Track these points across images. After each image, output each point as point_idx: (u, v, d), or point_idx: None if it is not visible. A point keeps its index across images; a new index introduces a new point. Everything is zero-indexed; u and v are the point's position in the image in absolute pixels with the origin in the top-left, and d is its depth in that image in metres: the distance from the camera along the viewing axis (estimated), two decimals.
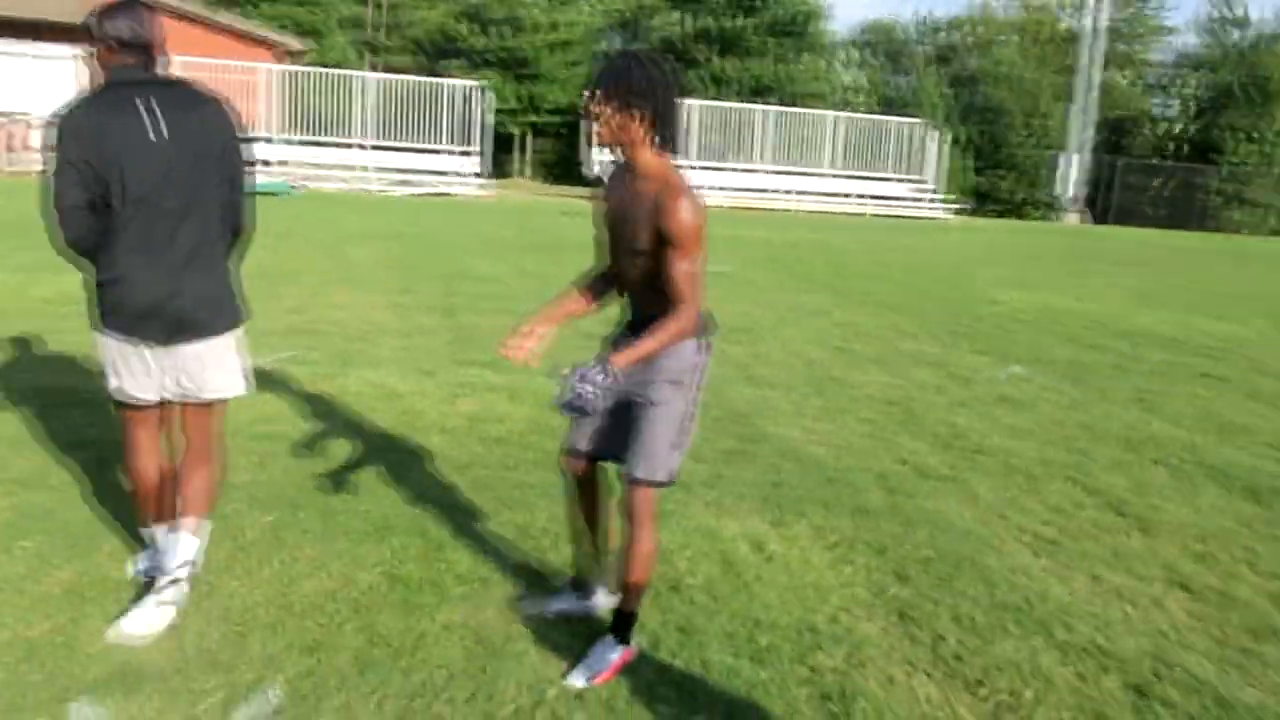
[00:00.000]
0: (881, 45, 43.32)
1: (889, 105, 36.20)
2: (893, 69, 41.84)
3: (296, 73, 24.76)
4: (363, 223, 14.97)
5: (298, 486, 4.24)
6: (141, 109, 3.00)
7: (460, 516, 4.03)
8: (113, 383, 3.17)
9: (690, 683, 2.97)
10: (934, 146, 27.30)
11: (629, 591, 3.04)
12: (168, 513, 3.28)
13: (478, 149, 23.56)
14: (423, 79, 25.60)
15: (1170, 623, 3.57)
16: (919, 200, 27.13)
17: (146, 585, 3.25)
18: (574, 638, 3.15)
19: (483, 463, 4.71)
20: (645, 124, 2.74)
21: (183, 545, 3.20)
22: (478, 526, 3.95)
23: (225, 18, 27.89)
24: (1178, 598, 3.78)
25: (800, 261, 13.81)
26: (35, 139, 21.03)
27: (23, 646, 2.91)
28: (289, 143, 23.45)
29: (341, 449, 4.75)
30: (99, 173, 2.95)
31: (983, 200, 37.85)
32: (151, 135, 2.99)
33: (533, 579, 3.54)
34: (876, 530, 4.18)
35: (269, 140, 22.78)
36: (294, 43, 27.32)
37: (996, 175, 38.44)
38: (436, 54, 45.08)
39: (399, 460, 4.64)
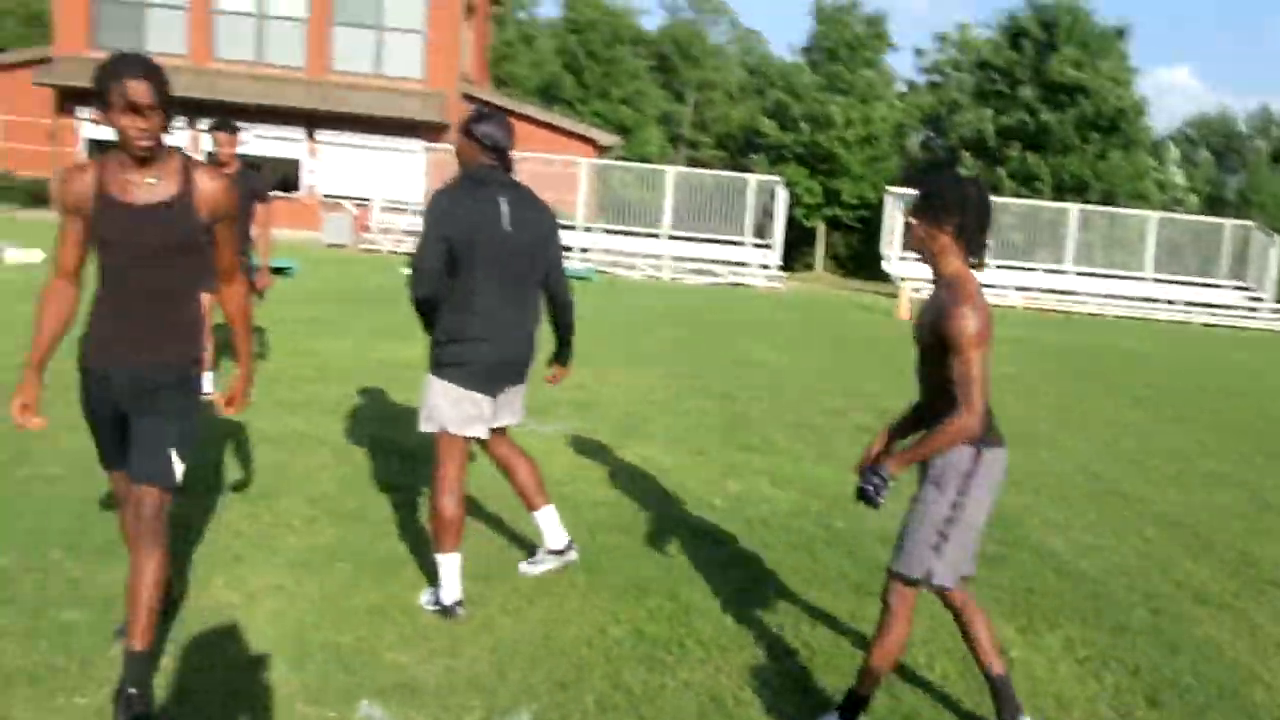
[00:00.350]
0: (1209, 141, 40.43)
1: (1216, 205, 33.65)
2: (1220, 166, 38.86)
3: (607, 166, 26.53)
4: (656, 308, 15.78)
5: (574, 542, 4.66)
6: (499, 202, 3.76)
7: (712, 586, 4.28)
8: (452, 426, 3.81)
9: None
10: (1273, 251, 25.04)
11: (865, 676, 3.14)
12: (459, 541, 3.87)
13: (773, 241, 24.18)
14: (720, 173, 26.70)
15: None
16: (1253, 310, 24.91)
17: (441, 611, 3.76)
18: (801, 709, 3.30)
19: (742, 541, 4.95)
20: (952, 237, 2.99)
21: (551, 524, 4.18)
22: (727, 598, 4.18)
23: (550, 115, 30.46)
24: None
25: (1101, 368, 13.15)
26: (380, 222, 23.82)
27: (332, 650, 3.44)
28: (596, 231, 25.08)
29: (609, 514, 5.16)
30: (456, 248, 3.66)
31: None
32: (504, 225, 3.76)
33: (774, 650, 3.73)
34: (1134, 650, 4.03)
35: (583, 229, 24.47)
36: (606, 138, 29.30)
37: None
38: (741, 148, 46.79)
39: (662, 530, 4.97)
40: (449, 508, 3.82)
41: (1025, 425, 8.62)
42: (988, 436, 3.11)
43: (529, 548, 4.52)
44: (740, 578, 4.41)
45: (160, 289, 2.96)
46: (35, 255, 13.48)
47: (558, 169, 25.18)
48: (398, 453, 5.92)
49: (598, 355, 10.21)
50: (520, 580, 4.18)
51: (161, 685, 3.10)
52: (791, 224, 37.57)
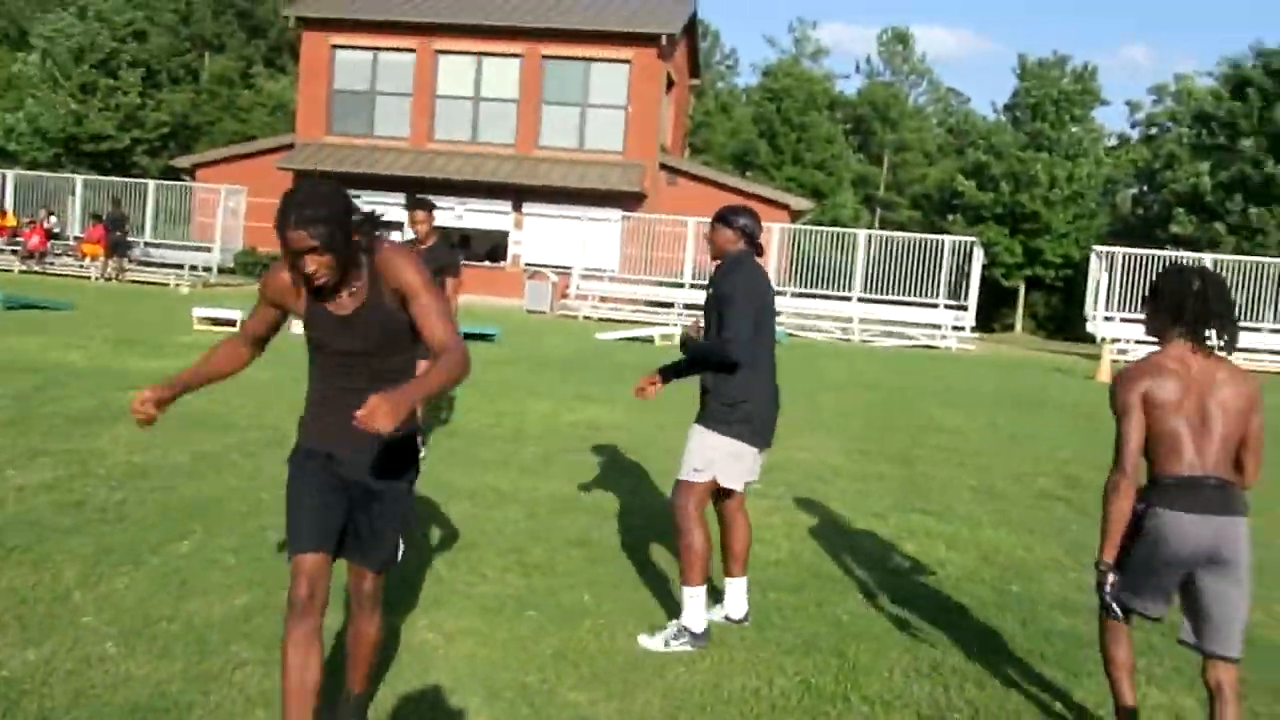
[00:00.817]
0: None
1: None
2: None
3: (798, 230, 26.76)
4: (842, 372, 15.79)
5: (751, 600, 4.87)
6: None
7: (880, 646, 4.39)
8: (726, 479, 4.34)
9: None
10: None
11: None
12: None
13: (968, 302, 23.70)
14: (911, 235, 26.41)
15: None
16: None
17: (692, 639, 4.21)
18: None
19: (915, 602, 5.02)
20: (1174, 326, 3.34)
21: (739, 594, 4.55)
22: (894, 658, 4.28)
23: (746, 184, 31.04)
24: None
25: None
26: (579, 289, 24.83)
27: (519, 689, 3.77)
28: (787, 295, 25.28)
29: (781, 573, 5.33)
30: (757, 315, 4.25)
31: None
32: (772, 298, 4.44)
33: (937, 708, 3.81)
34: None
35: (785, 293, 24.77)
36: (800, 202, 29.56)
37: None
38: (938, 209, 46.06)
39: (833, 590, 5.11)
40: (700, 541, 4.26)
41: None
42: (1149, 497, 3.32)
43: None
44: (909, 639, 4.49)
45: (373, 383, 2.87)
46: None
47: None
48: (585, 510, 6.29)
49: (781, 417, 10.39)
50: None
51: (374, 715, 3.51)
52: (990, 285, 36.66)
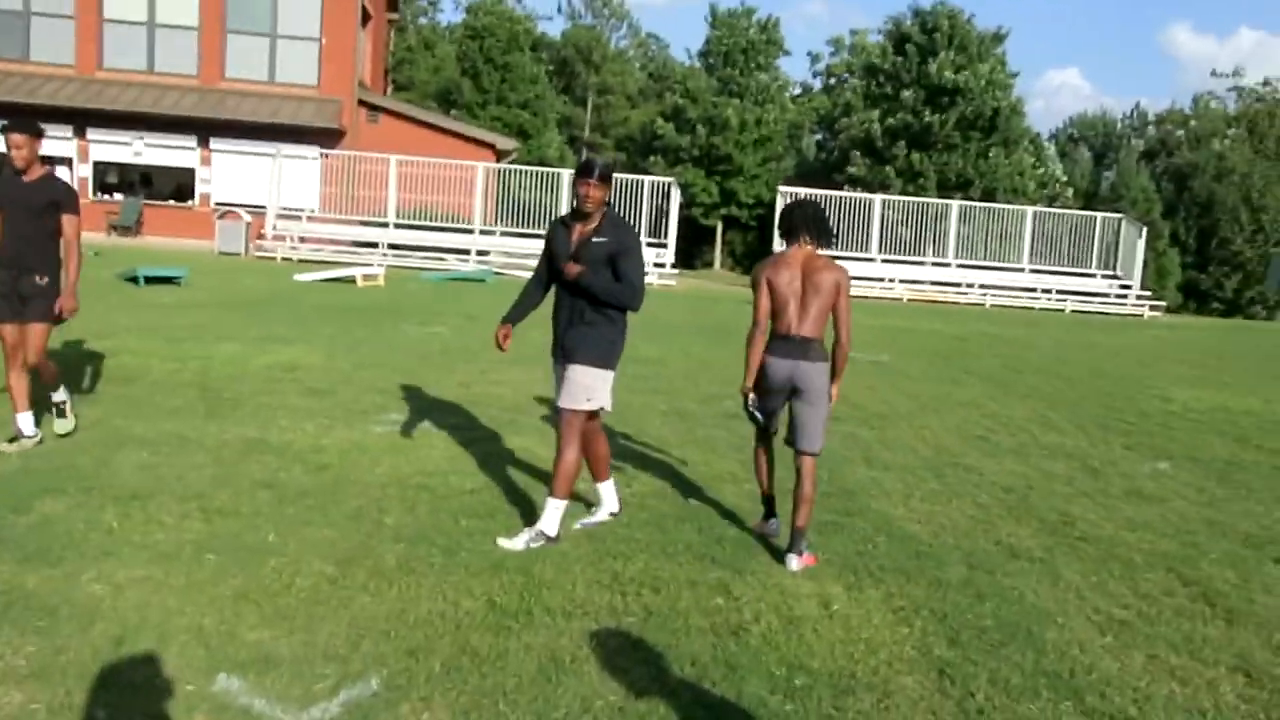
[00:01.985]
0: (1088, 139, 42.29)
1: (1093, 200, 35.27)
2: (1099, 163, 40.68)
3: (504, 170, 26.71)
4: (543, 308, 16.04)
5: (437, 528, 4.94)
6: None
7: (564, 562, 4.59)
8: (607, 403, 4.99)
9: (721, 708, 3.41)
10: (1138, 242, 26.41)
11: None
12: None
13: (667, 240, 24.65)
14: (616, 175, 27.05)
15: (1215, 703, 3.70)
16: (1122, 297, 26.25)
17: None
18: (633, 664, 3.64)
19: (602, 522, 5.27)
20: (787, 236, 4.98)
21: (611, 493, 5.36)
22: (576, 571, 4.50)
23: (450, 123, 30.50)
24: (1234, 681, 3.89)
25: (967, 354, 13.84)
26: (276, 229, 23.62)
27: (194, 631, 3.66)
28: (493, 233, 25.26)
29: (474, 501, 5.44)
30: None
31: (1201, 298, 36.05)
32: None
33: (615, 615, 4.06)
34: (944, 600, 4.47)
35: (480, 232, 24.64)
36: (505, 142, 29.48)
37: (1220, 272, 36.55)
38: (640, 150, 47.33)
39: (523, 514, 5.27)
40: (576, 460, 4.88)
41: (886, 407, 9.15)
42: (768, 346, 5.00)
43: (397, 537, 4.78)
44: (591, 553, 4.74)
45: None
46: None
47: (456, 173, 25.28)
48: (274, 451, 6.11)
49: (487, 353, 10.46)
50: (382, 562, 4.44)
51: (23, 666, 3.30)
52: (690, 224, 38.25)
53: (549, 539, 4.77)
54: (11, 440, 5.82)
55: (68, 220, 5.84)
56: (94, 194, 27.29)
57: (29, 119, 5.94)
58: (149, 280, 14.31)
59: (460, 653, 3.65)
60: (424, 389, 8.42)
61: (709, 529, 5.23)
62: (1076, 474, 7.12)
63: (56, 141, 26.74)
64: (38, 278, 5.79)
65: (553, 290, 5.13)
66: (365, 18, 30.03)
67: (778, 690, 3.54)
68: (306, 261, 21.82)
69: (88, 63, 26.79)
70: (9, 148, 5.77)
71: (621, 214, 24.74)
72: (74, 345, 9.15)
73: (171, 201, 27.63)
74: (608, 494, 5.29)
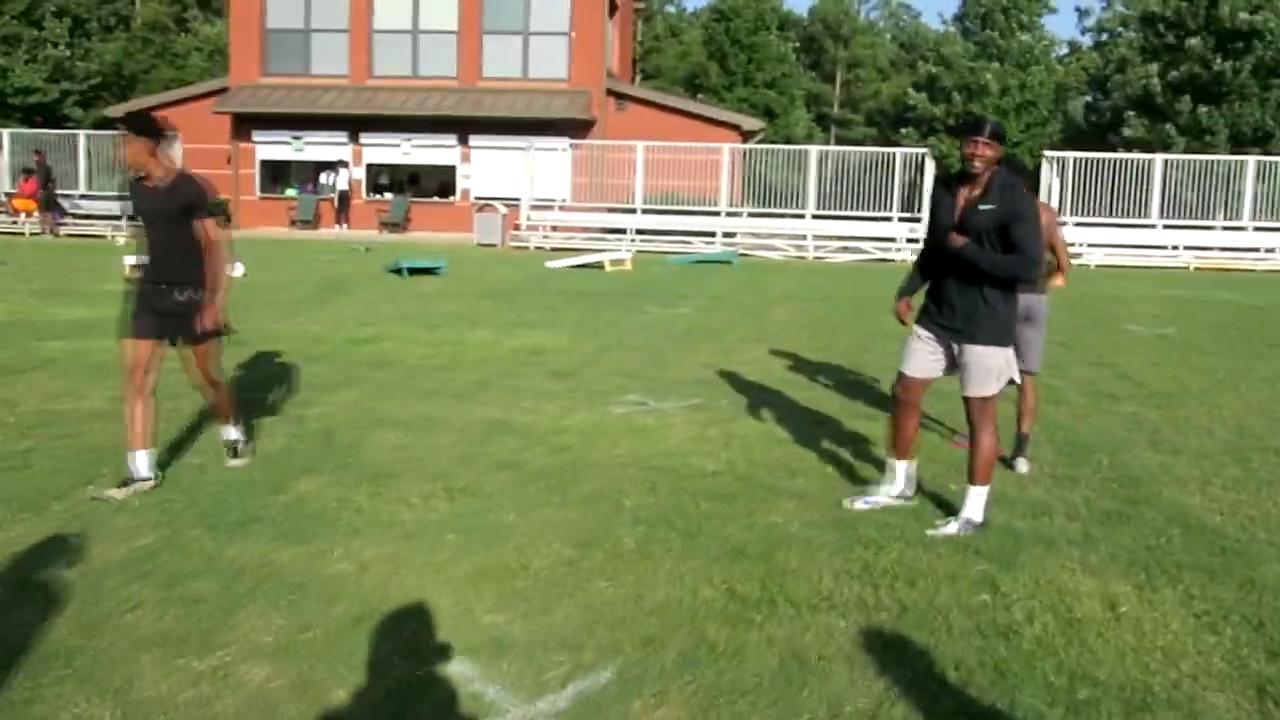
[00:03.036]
0: None
1: None
2: None
3: (749, 150, 26.39)
4: (794, 286, 15.63)
5: (677, 510, 4.74)
6: None
7: (809, 550, 4.27)
8: (1012, 378, 4.69)
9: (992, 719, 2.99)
10: None
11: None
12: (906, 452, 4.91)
13: (922, 215, 23.51)
14: (864, 149, 26.14)
15: None
16: None
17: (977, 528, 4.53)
18: (884, 665, 3.28)
19: (849, 509, 4.91)
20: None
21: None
22: (824, 559, 4.17)
23: (695, 106, 30.51)
24: None
25: (1269, 325, 12.26)
26: (530, 220, 24.41)
27: (432, 611, 3.62)
28: (740, 214, 25.01)
29: (714, 483, 5.20)
30: None
31: None
32: None
33: (865, 609, 3.70)
34: (1259, 605, 3.81)
35: (727, 213, 24.48)
36: (751, 122, 29.13)
37: None
38: (892, 124, 45.71)
39: (766, 498, 4.98)
40: (995, 444, 4.64)
41: (1174, 385, 8.17)
42: None
43: (636, 519, 4.62)
44: (839, 541, 4.38)
45: None
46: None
47: (701, 156, 25.23)
48: (516, 433, 6.12)
49: (730, 333, 10.24)
50: (620, 545, 4.28)
51: (269, 642, 3.36)
52: None
53: (976, 526, 4.53)
54: (122, 484, 4.84)
55: (204, 225, 4.93)
56: (366, 194, 29.27)
57: (138, 115, 5.27)
58: (412, 271, 15.06)
59: (697, 645, 3.41)
60: (666, 369, 8.29)
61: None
62: None
63: (334, 147, 28.91)
64: (178, 293, 4.93)
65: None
66: (612, 9, 30.51)
67: (1057, 703, 3.08)
68: (560, 249, 22.37)
69: (360, 72, 28.68)
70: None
71: (872, 189, 24.06)
72: (340, 332, 9.68)
73: (435, 198, 29.17)
74: (906, 475, 4.94)
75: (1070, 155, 24.17)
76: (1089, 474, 5.52)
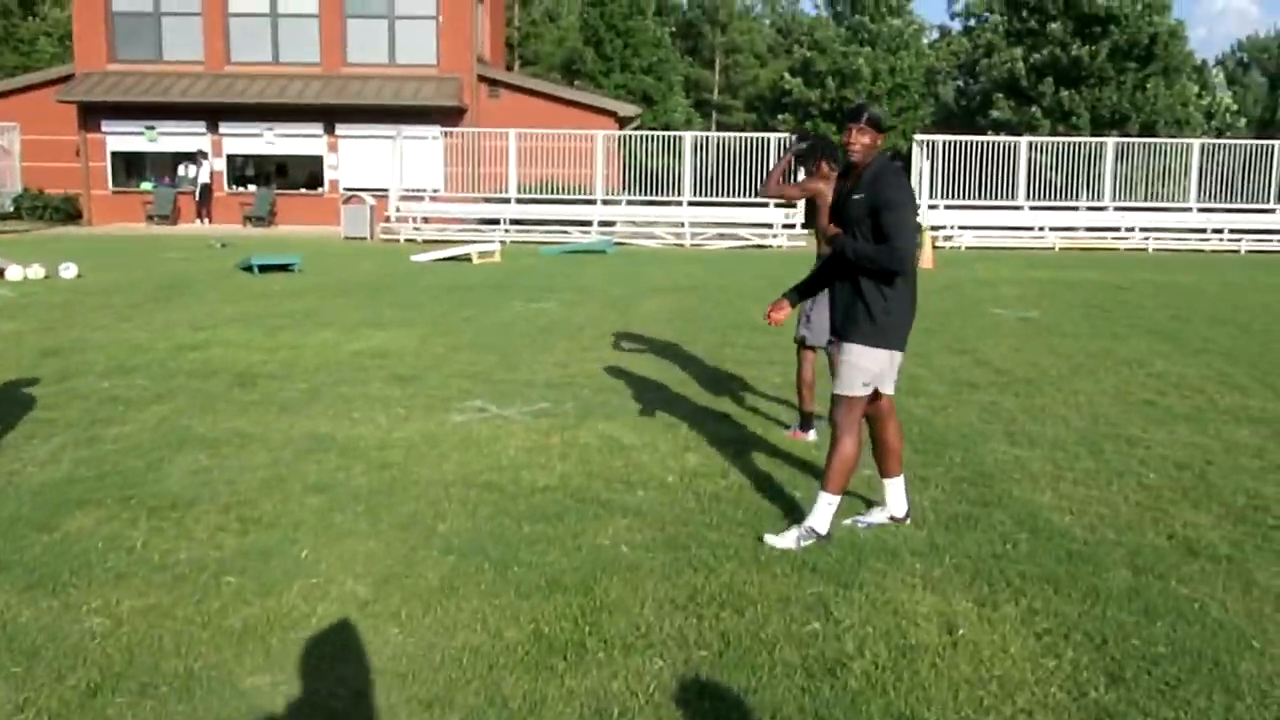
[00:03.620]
0: (1262, 64, 38.67)
1: (1270, 129, 32.16)
2: (1272, 90, 37.15)
3: (624, 137, 26.03)
4: (667, 277, 15.33)
5: (495, 535, 4.32)
6: None
7: (634, 577, 3.90)
8: (886, 385, 4.36)
9: None
10: None
11: None
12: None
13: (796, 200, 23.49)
14: (739, 134, 26.01)
15: None
16: None
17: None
18: (697, 713, 2.92)
19: (688, 519, 4.56)
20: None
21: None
22: (650, 588, 3.80)
23: (571, 93, 30.00)
24: None
25: (1130, 305, 12.44)
26: (399, 211, 23.59)
27: (182, 679, 3.12)
28: (619, 203, 24.65)
29: (545, 500, 4.79)
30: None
31: None
32: None
33: (684, 646, 3.34)
34: (1103, 619, 3.58)
35: (602, 201, 24.07)
36: (626, 109, 28.77)
37: None
38: (770, 109, 45.93)
39: (598, 515, 4.59)
40: (853, 451, 4.25)
41: (1033, 370, 8.09)
42: None
43: (448, 548, 4.18)
44: (675, 563, 4.02)
45: None
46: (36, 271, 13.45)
47: (575, 144, 24.77)
48: (339, 449, 5.60)
49: (592, 328, 9.83)
50: (422, 581, 3.84)
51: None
52: None
53: (820, 537, 4.23)
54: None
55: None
56: (229, 186, 27.98)
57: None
58: (263, 269, 14.26)
59: (488, 703, 2.99)
60: (517, 371, 7.84)
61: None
62: (1267, 444, 5.99)
63: (191, 138, 27.52)
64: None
65: None
66: None
67: None
68: (431, 242, 21.68)
69: (216, 58, 27.35)
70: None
71: (749, 176, 23.91)
72: (168, 338, 8.95)
73: (303, 190, 28.06)
74: (894, 493, 4.54)
75: (940, 139, 24.48)
76: (940, 473, 5.29)
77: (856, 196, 4.19)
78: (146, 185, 28.11)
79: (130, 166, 28.39)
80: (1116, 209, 24.16)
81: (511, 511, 4.63)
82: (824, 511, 4.26)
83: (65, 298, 11.60)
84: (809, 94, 37.39)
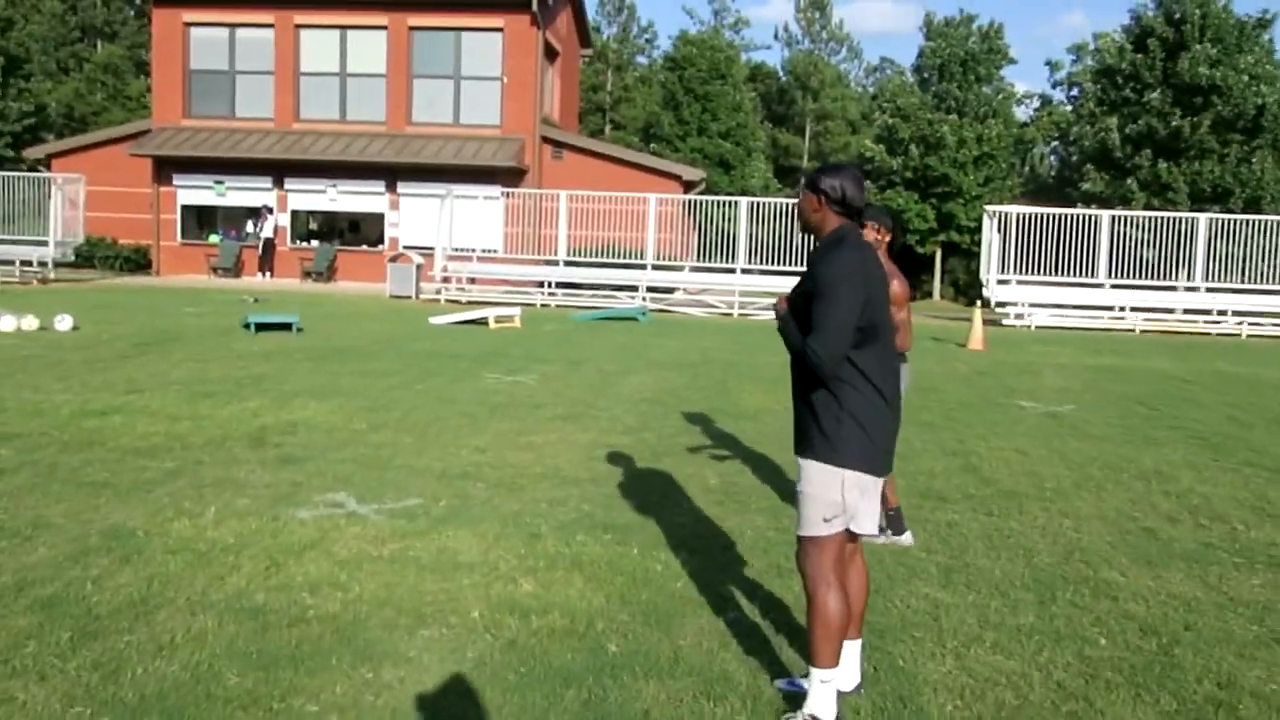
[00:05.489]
0: None
1: None
2: None
3: (683, 201, 25.28)
4: (681, 349, 14.34)
5: (187, 683, 3.38)
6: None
7: None
8: (866, 522, 3.38)
9: None
10: None
11: None
12: None
13: None
14: (796, 200, 24.97)
15: None
16: None
17: None
18: None
19: (456, 687, 3.57)
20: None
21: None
22: None
23: (636, 156, 29.51)
24: None
25: (1184, 402, 10.94)
26: (445, 270, 23.16)
27: None
28: (675, 268, 23.85)
29: (302, 637, 3.83)
30: (870, 309, 3.26)
31: None
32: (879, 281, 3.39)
33: None
34: None
35: (650, 266, 23.29)
36: (691, 173, 28.08)
37: None
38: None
39: (346, 662, 3.62)
40: (838, 609, 3.27)
41: (1028, 481, 6.85)
42: None
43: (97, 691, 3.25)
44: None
45: None
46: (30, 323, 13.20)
47: (632, 207, 24.11)
48: (130, 546, 4.76)
49: (553, 407, 8.88)
50: None
51: None
52: (906, 253, 35.49)
53: None
54: None
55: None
56: (292, 241, 28.11)
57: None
58: (260, 327, 13.75)
59: None
60: (422, 457, 6.94)
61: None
62: (1278, 599, 4.69)
63: (258, 192, 27.77)
64: None
65: None
66: (553, 54, 29.61)
67: None
68: (474, 303, 21.11)
69: (285, 115, 27.64)
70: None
71: (808, 242, 22.77)
72: (82, 402, 8.33)
73: (364, 247, 28.02)
74: (846, 660, 3.44)
75: (1014, 210, 23.05)
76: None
77: (806, 272, 3.39)
78: (214, 238, 28.44)
79: (202, 219, 28.80)
80: (1209, 290, 22.29)
81: (241, 652, 3.69)
82: (822, 695, 3.26)
83: (31, 352, 11.20)
84: (891, 162, 36.21)
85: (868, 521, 3.36)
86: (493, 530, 5.29)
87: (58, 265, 24.87)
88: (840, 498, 3.26)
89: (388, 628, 3.99)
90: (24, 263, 23.89)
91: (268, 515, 5.41)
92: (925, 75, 38.05)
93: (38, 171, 27.93)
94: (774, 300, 3.51)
